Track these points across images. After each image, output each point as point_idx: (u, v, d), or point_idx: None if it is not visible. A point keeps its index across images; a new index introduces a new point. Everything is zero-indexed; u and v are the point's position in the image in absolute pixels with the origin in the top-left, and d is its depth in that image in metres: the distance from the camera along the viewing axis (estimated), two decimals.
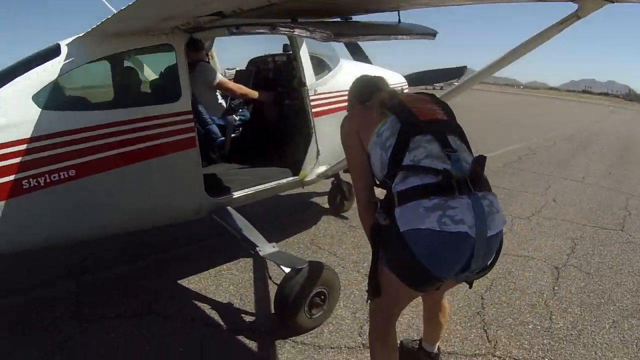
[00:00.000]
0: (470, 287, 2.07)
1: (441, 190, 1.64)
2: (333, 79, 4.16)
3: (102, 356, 2.78)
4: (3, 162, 2.54)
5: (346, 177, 5.30)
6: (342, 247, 4.50)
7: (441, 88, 18.13)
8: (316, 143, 4.00)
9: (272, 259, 3.11)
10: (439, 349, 2.63)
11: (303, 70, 3.87)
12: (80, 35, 2.82)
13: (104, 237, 3.16)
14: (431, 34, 2.89)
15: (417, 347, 2.65)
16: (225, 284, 3.68)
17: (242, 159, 4.36)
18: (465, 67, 5.00)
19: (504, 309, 3.42)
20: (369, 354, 2.21)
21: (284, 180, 3.95)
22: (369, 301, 2.00)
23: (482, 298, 3.55)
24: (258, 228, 3.37)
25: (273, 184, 3.87)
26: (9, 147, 2.55)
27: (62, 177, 2.70)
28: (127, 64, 3.34)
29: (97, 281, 3.69)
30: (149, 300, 3.39)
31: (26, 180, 2.61)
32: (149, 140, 2.96)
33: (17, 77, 2.65)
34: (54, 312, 3.20)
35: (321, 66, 4.22)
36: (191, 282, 3.71)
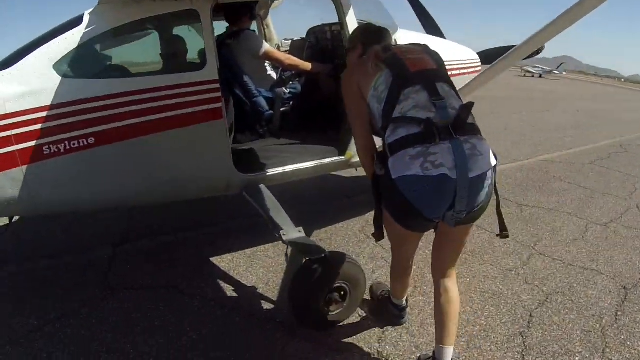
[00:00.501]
0: (454, 226, 1.99)
1: (424, 139, 1.79)
2: None
3: (111, 325, 2.80)
4: (25, 128, 2.59)
5: None
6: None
7: (540, 76, 16.26)
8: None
9: (292, 244, 2.86)
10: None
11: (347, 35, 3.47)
12: (102, 2, 2.77)
13: (130, 206, 3.18)
14: None
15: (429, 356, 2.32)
16: (256, 267, 3.54)
17: (292, 134, 4.11)
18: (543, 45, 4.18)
19: (553, 331, 2.82)
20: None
21: (327, 160, 3.65)
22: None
23: (530, 315, 2.97)
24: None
25: (314, 163, 3.58)
26: (30, 114, 2.60)
27: (81, 144, 2.71)
28: (149, 31, 3.26)
29: (134, 251, 3.76)
30: (176, 275, 3.36)
31: (47, 147, 2.65)
32: (170, 110, 2.85)
33: (40, 46, 2.68)
34: (83, 277, 3.33)
35: None
36: (223, 261, 3.62)
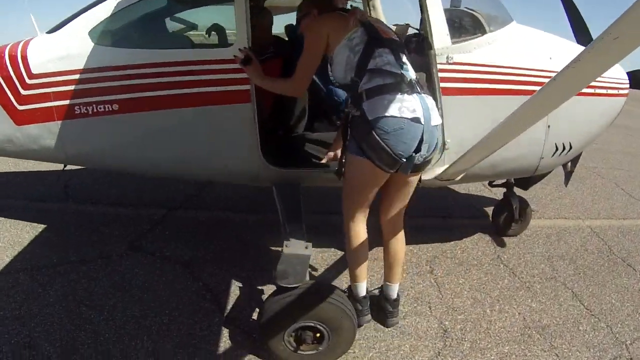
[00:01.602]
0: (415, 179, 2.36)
1: (399, 88, 2.09)
2: (487, 46, 2.85)
3: (112, 284, 2.98)
4: (61, 87, 2.78)
5: (520, 192, 3.94)
6: (467, 279, 3.39)
7: None
8: (442, 130, 2.83)
9: (281, 260, 2.53)
10: (398, 295, 2.58)
11: (430, 25, 2.75)
12: None
13: (150, 176, 3.24)
14: None
15: (378, 293, 2.61)
16: None
17: None
18: None
19: None
20: None
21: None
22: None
23: None
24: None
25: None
26: (66, 75, 2.77)
27: (107, 109, 2.78)
28: (181, 3, 3.08)
29: (182, 219, 3.89)
30: (200, 253, 3.38)
31: (77, 107, 2.80)
32: (193, 86, 2.71)
33: (84, 13, 2.83)
34: (120, 231, 3.59)
35: (470, 25, 2.96)
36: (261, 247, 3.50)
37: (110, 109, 2.78)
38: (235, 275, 3.19)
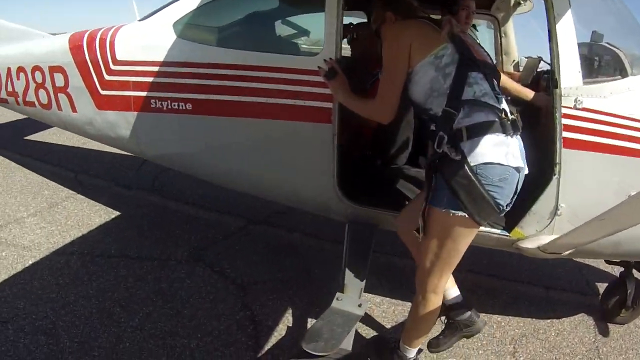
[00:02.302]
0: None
1: (503, 128, 1.80)
2: (627, 92, 2.21)
3: (157, 290, 2.86)
4: (140, 77, 2.72)
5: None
6: None
7: None
8: (557, 191, 2.30)
9: (323, 315, 2.16)
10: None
11: (557, 58, 2.19)
12: None
13: (221, 186, 3.04)
14: None
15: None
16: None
17: None
18: None
19: None
20: None
21: (482, 229, 2.47)
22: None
23: None
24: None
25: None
26: (145, 66, 2.69)
27: (180, 107, 2.65)
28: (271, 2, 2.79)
29: (259, 235, 3.67)
30: (261, 277, 3.11)
31: (153, 100, 2.71)
32: (268, 96, 2.45)
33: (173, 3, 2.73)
34: (190, 235, 3.48)
35: (609, 65, 2.41)
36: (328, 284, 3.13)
37: (184, 108, 2.64)
38: (287, 311, 2.85)
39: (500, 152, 1.77)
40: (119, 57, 2.77)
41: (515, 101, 2.90)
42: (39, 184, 4.18)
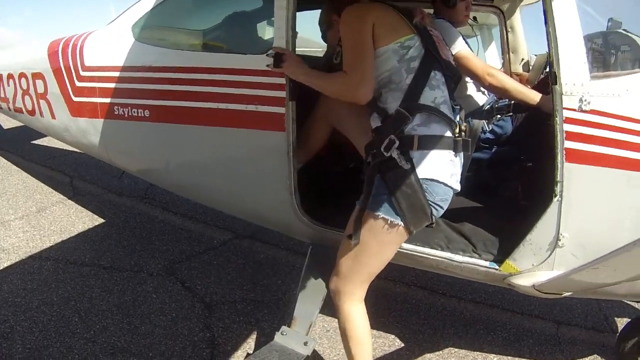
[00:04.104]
0: None
1: (454, 146, 1.81)
2: None
3: (120, 303, 2.84)
4: (104, 83, 2.74)
5: None
6: None
7: None
8: (558, 217, 1.95)
9: (261, 351, 2.05)
10: None
11: (556, 46, 1.86)
12: None
13: (185, 197, 3.01)
14: None
15: None
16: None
17: (484, 188, 2.75)
18: None
19: None
20: None
21: (473, 261, 2.17)
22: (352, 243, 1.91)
23: None
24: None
25: (447, 256, 2.20)
26: (108, 71, 2.71)
27: (139, 114, 2.63)
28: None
29: (241, 250, 3.61)
30: (231, 296, 3.02)
31: (116, 107, 2.72)
32: (216, 101, 2.34)
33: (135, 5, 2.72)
34: (169, 247, 3.49)
35: (625, 55, 2.08)
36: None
37: (143, 115, 2.61)
38: (250, 336, 2.73)
39: (447, 172, 1.78)
40: (86, 63, 2.82)
41: (519, 106, 2.65)
42: (34, 187, 4.36)
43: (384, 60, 1.82)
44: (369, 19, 1.84)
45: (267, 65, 2.10)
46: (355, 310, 1.96)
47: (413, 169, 1.75)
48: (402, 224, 1.79)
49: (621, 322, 3.20)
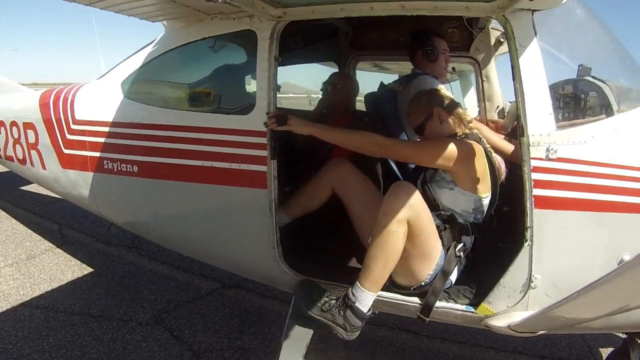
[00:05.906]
0: None
1: None
2: (613, 134, 2.00)
3: (109, 351, 2.91)
4: (94, 138, 2.89)
5: None
6: None
7: None
8: (529, 260, 2.07)
9: None
10: None
11: (523, 99, 2.00)
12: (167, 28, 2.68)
13: (173, 250, 3.10)
14: None
15: None
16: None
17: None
18: None
19: None
20: None
21: (440, 306, 2.26)
22: None
23: None
24: None
25: (416, 303, 2.29)
26: (98, 126, 2.86)
27: (127, 169, 2.78)
28: (205, 57, 2.82)
29: (228, 300, 3.69)
30: (218, 345, 3.08)
31: (106, 161, 2.86)
32: (201, 159, 2.51)
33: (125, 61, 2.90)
34: (157, 296, 3.57)
35: (591, 103, 2.22)
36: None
37: (131, 170, 2.76)
38: None
39: None
40: (77, 116, 2.98)
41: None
42: (23, 235, 4.48)
43: (463, 199, 2.26)
44: (464, 158, 2.17)
45: (265, 124, 2.27)
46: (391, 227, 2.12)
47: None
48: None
49: (605, 352, 3.28)
